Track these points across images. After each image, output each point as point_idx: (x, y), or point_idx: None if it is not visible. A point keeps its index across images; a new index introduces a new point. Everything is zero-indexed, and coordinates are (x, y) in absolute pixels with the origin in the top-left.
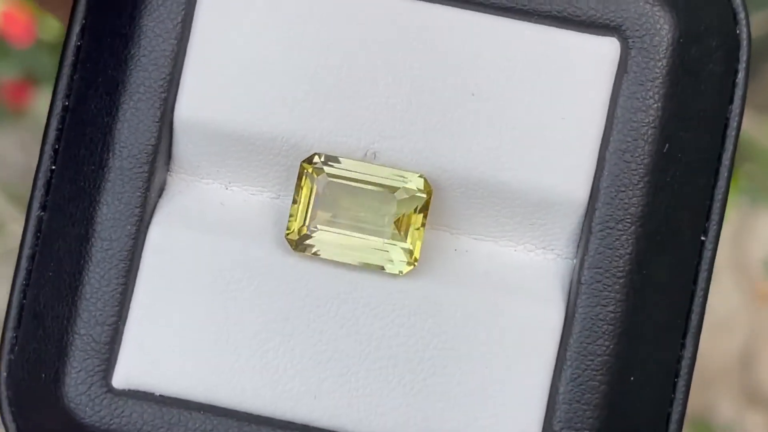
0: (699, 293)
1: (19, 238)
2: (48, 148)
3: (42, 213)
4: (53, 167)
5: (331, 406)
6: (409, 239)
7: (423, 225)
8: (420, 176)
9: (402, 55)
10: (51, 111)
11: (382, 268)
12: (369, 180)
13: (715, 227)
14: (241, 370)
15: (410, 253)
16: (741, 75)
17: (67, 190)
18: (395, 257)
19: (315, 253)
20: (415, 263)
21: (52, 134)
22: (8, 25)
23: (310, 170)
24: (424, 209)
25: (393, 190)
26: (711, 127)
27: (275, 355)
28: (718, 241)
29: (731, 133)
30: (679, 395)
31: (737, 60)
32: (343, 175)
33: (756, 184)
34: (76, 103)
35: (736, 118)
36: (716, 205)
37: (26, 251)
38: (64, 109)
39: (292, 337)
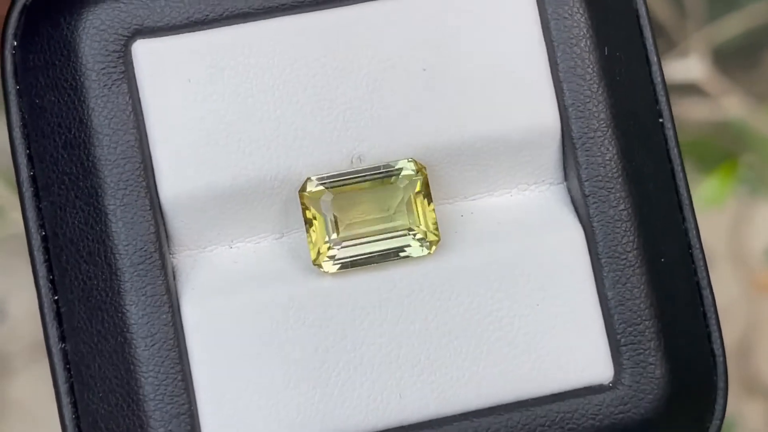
0: (677, 168)
1: (19, 224)
2: (44, 282)
3: (63, 345)
4: (56, 297)
5: (417, 398)
6: (422, 219)
7: (430, 201)
8: (410, 160)
9: (346, 59)
10: (30, 245)
11: (411, 255)
12: (365, 182)
13: (666, 108)
14: (322, 401)
15: (430, 230)
16: None
17: (82, 311)
18: (417, 241)
19: (345, 267)
20: (439, 237)
21: (42, 268)
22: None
23: (309, 195)
24: (425, 187)
25: (391, 182)
26: (626, 22)
27: (348, 375)
28: (673, 119)
29: (644, 22)
30: (699, 263)
31: None
32: (341, 186)
33: (756, 173)
34: (55, 227)
35: (643, 5)
36: (659, 88)
37: (63, 386)
38: (44, 239)
39: (355, 351)
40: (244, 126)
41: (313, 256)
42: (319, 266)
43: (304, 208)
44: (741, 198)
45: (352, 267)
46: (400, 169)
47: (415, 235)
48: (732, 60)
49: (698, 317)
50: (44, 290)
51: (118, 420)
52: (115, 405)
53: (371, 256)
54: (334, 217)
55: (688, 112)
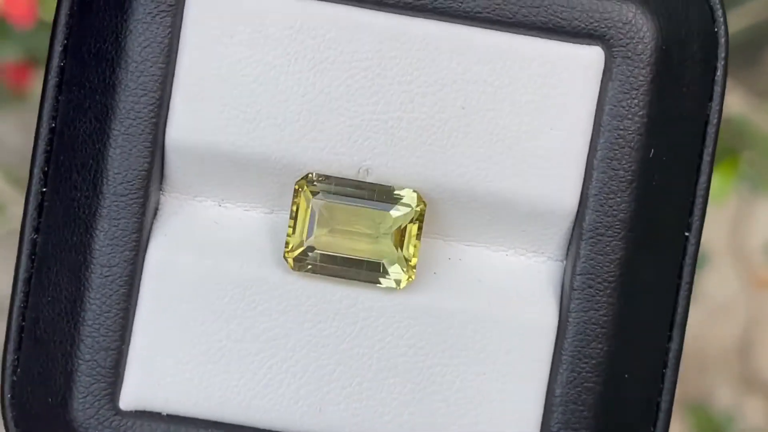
0: (684, 286)
1: (20, 219)
2: (37, 171)
3: (36, 236)
4: (44, 189)
5: (336, 418)
6: (406, 254)
7: (418, 239)
8: (413, 191)
9: (391, 71)
10: (38, 132)
11: (380, 283)
12: (363, 197)
13: (697, 222)
14: (246, 386)
15: (407, 267)
16: (720, 73)
17: (60, 215)
18: (393, 272)
19: (313, 271)
20: (413, 277)
21: (41, 157)
22: (10, 7)
23: (304, 190)
24: (419, 223)
25: (387, 206)
26: (692, 126)
27: (278, 371)
28: (700, 235)
29: (711, 130)
30: (667, 384)
31: (716, 58)
32: (337, 193)
33: (756, 170)
34: (64, 126)
35: (716, 115)
36: (698, 201)
37: (22, 274)
38: (51, 131)
39: (294, 352)
40: (267, 100)
41: (286, 249)
42: (289, 260)
43: (295, 201)
44: (741, 195)
45: (319, 272)
46: (402, 197)
47: (391, 265)
48: (733, 57)
49: None
50: (36, 179)
51: (55, 329)
52: (57, 314)
53: (341, 270)
54: (320, 219)
55: None
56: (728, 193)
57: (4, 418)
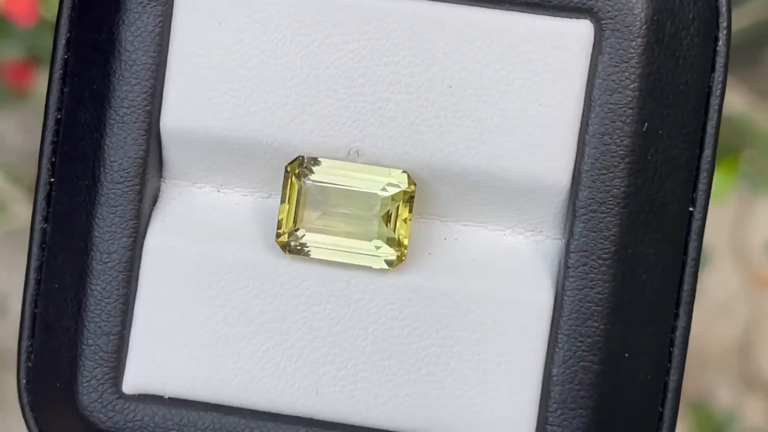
0: (690, 263)
1: (20, 219)
2: (45, 162)
3: (45, 225)
4: (52, 180)
5: (331, 400)
6: (396, 234)
7: (409, 219)
8: (403, 172)
9: (379, 53)
10: (45, 125)
11: (372, 265)
12: (354, 179)
13: (702, 197)
14: (243, 369)
15: (399, 247)
16: (721, 42)
17: (65, 204)
18: (384, 253)
19: (306, 254)
20: (404, 257)
21: (48, 148)
22: (11, 5)
23: (295, 173)
24: (409, 204)
25: (377, 187)
26: (693, 98)
27: (275, 353)
28: (707, 209)
29: (715, 101)
30: (675, 364)
31: (716, 27)
32: (328, 175)
33: (757, 169)
34: (68, 117)
35: (719, 86)
36: (703, 175)
37: (33, 263)
38: (57, 122)
39: (289, 335)
40: (257, 84)
41: (277, 233)
42: (280, 244)
43: (285, 184)
44: (742, 194)
45: (310, 255)
46: (392, 178)
47: (382, 246)
48: (733, 56)
49: (652, 420)
50: (44, 169)
51: (62, 316)
52: (64, 301)
53: (333, 253)
54: (311, 201)
55: None
56: (729, 192)
57: (21, 403)
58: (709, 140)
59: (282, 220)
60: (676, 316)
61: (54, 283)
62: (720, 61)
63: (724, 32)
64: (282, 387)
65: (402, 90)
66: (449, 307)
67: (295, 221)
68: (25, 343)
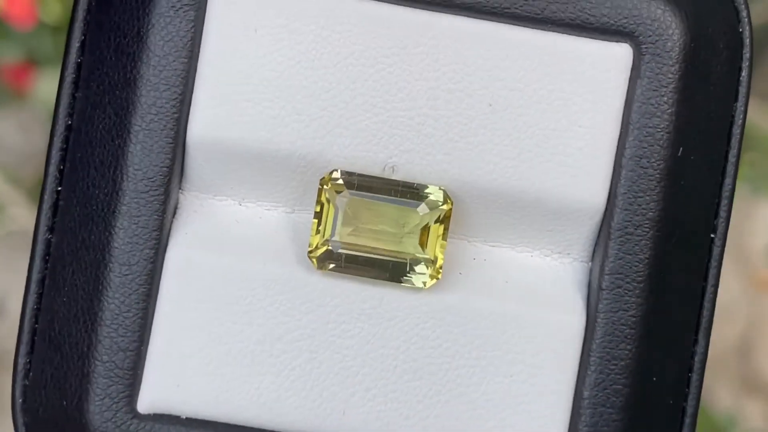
0: (709, 289)
1: (19, 221)
2: (53, 169)
3: (50, 236)
4: (59, 188)
5: (359, 421)
6: (431, 253)
7: (444, 238)
8: (440, 189)
9: (418, 67)
10: (53, 130)
11: (405, 283)
12: (389, 195)
13: (723, 224)
14: (268, 389)
15: (433, 266)
16: (744, 72)
17: (77, 213)
18: (418, 271)
19: (338, 270)
20: (439, 276)
21: (57, 155)
22: (9, 7)
23: (329, 187)
24: (446, 221)
25: (414, 204)
26: (718, 126)
27: (301, 372)
28: (726, 237)
29: (736, 130)
30: (693, 390)
31: (740, 58)
32: (363, 190)
33: (758, 172)
34: (81, 123)
35: (741, 115)
36: (724, 202)
37: (35, 275)
38: (68, 128)
39: (317, 354)
40: (292, 95)
41: (310, 247)
42: (313, 260)
43: (319, 199)
44: (743, 196)
45: (343, 271)
46: (428, 195)
47: (417, 264)
48: None
49: None
50: (51, 177)
51: (72, 330)
52: (74, 315)
53: (366, 270)
54: (345, 217)
55: None
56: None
57: (15, 424)
58: (730, 169)
59: (314, 234)
60: (695, 341)
61: (61, 297)
62: (742, 91)
63: (747, 63)
64: (308, 407)
65: (441, 106)
66: (482, 327)
67: (327, 236)
68: (22, 360)
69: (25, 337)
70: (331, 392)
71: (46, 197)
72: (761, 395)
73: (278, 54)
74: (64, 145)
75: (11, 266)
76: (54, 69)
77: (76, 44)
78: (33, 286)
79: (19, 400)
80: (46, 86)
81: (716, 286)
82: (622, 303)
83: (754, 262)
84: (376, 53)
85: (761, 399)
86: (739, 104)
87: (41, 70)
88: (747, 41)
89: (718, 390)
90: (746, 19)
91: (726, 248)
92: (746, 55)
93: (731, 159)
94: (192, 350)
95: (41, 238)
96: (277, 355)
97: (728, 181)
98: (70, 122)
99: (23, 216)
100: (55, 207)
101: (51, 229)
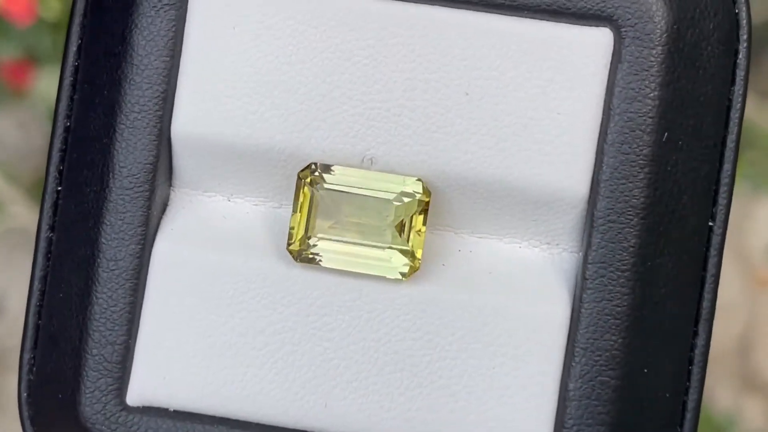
0: (709, 279)
1: (18, 218)
2: (53, 169)
3: (51, 234)
4: (59, 188)
5: (341, 413)
6: (410, 244)
7: (423, 229)
8: (418, 180)
9: (394, 59)
10: (54, 131)
11: (385, 274)
12: (367, 187)
13: (722, 212)
14: (251, 381)
15: (412, 257)
16: (742, 55)
17: (72, 211)
18: (397, 262)
19: (317, 263)
20: (418, 267)
21: (56, 155)
22: (9, 4)
23: (307, 180)
24: (424, 213)
25: (391, 195)
26: (712, 111)
27: (284, 365)
28: (726, 225)
29: (735, 115)
30: (694, 383)
31: (737, 40)
32: (341, 183)
33: (758, 170)
34: (77, 123)
35: (740, 99)
36: (723, 189)
37: (38, 273)
38: (66, 129)
39: (299, 346)
40: (270, 90)
41: (289, 241)
42: (292, 252)
43: (298, 192)
44: (743, 194)
45: (323, 264)
46: (406, 186)
47: (396, 255)
48: None
49: None
50: (51, 177)
51: (67, 326)
52: (69, 310)
53: (346, 261)
54: (324, 210)
55: None
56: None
57: (21, 417)
58: (729, 154)
59: (293, 228)
60: (695, 333)
61: (59, 293)
62: (740, 74)
63: (745, 45)
64: (291, 400)
65: (417, 97)
66: (463, 319)
67: (306, 229)
68: (27, 356)
69: (29, 333)
70: (313, 384)
71: (47, 196)
72: (761, 394)
73: (256, 50)
74: (63, 146)
75: (10, 264)
76: (53, 66)
77: (73, 48)
78: (36, 284)
79: (24, 394)
80: (45, 84)
81: (717, 276)
82: (606, 293)
83: (754, 261)
84: (352, 46)
85: (761, 398)
86: (737, 88)
87: (40, 68)
88: (744, 22)
89: (718, 389)
90: (743, 1)
91: (726, 246)
92: (743, 36)
93: (730, 144)
94: (178, 343)
95: (43, 236)
96: (260, 348)
97: (727, 167)
98: (68, 123)
99: (22, 214)
100: (55, 206)
101: (52, 228)
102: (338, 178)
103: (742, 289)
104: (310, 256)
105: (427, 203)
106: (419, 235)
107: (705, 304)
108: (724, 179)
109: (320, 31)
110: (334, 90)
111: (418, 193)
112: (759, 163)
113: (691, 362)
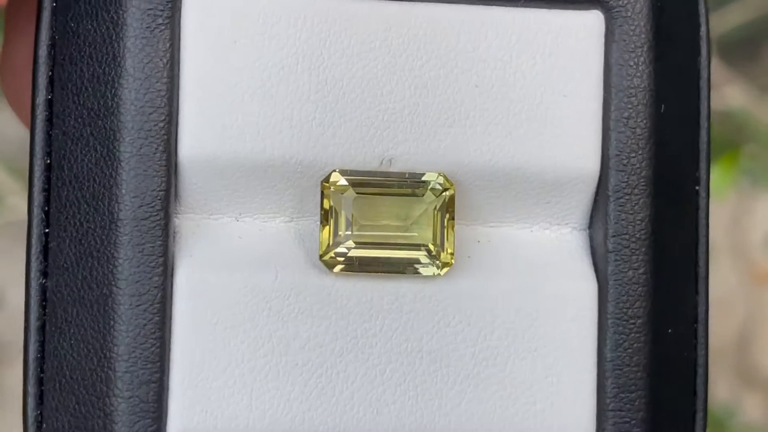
0: (702, 240)
1: (17, 211)
2: (37, 211)
3: (44, 281)
4: (47, 230)
5: (394, 417)
6: (441, 240)
7: (452, 222)
8: (440, 174)
9: (401, 58)
10: (32, 171)
11: (420, 273)
12: (391, 188)
13: (705, 176)
14: (298, 399)
15: (445, 252)
16: (703, 28)
17: (72, 252)
18: (431, 259)
19: (352, 270)
20: (452, 262)
21: (39, 196)
22: None
23: (331, 189)
24: (450, 205)
25: (416, 193)
26: (687, 81)
27: (329, 378)
28: (709, 187)
29: (704, 84)
30: (701, 339)
31: (697, 14)
32: (365, 187)
33: (757, 164)
34: (62, 159)
35: (706, 68)
36: (702, 155)
37: (34, 323)
38: (47, 167)
39: (342, 356)
40: (279, 102)
41: (321, 250)
42: (326, 262)
43: (323, 201)
44: (742, 189)
45: (358, 270)
46: (428, 182)
47: (429, 252)
48: (734, 51)
49: (688, 395)
50: (36, 220)
51: (85, 371)
52: (86, 356)
53: (380, 264)
54: (352, 215)
55: None
56: (729, 187)
57: None
58: (703, 121)
59: (323, 237)
60: (696, 292)
61: (68, 340)
62: (704, 45)
63: (704, 19)
64: (341, 412)
65: (429, 93)
66: (500, 307)
67: (336, 237)
68: (32, 413)
69: (32, 389)
70: (361, 393)
71: (33, 241)
72: (759, 388)
73: (260, 63)
74: (46, 185)
75: (10, 256)
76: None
77: (43, 80)
78: (33, 335)
79: None
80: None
81: (707, 236)
82: (630, 263)
83: (753, 256)
84: (358, 50)
85: (759, 392)
86: (703, 58)
87: None
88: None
89: (716, 383)
90: None
91: (724, 241)
92: (702, 11)
93: (703, 111)
94: (215, 372)
95: (34, 284)
96: (302, 364)
97: (703, 133)
98: (49, 161)
99: (22, 206)
100: (45, 250)
101: (44, 273)
102: (361, 183)
103: (740, 284)
104: (345, 263)
105: (452, 196)
106: (449, 228)
107: (701, 263)
108: (702, 144)
109: (324, 37)
110: (345, 95)
111: (442, 186)
112: (759, 157)
113: (696, 320)
